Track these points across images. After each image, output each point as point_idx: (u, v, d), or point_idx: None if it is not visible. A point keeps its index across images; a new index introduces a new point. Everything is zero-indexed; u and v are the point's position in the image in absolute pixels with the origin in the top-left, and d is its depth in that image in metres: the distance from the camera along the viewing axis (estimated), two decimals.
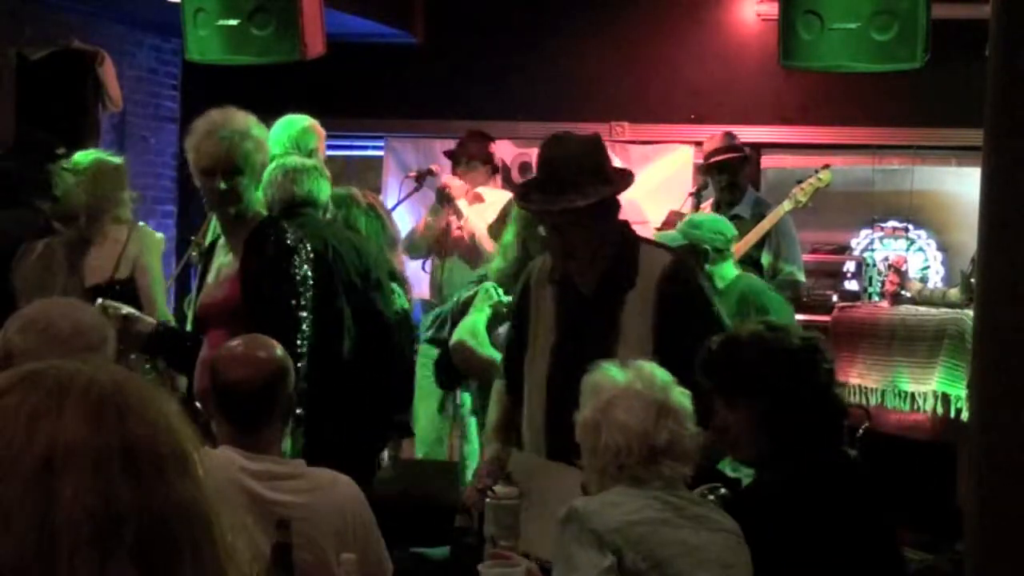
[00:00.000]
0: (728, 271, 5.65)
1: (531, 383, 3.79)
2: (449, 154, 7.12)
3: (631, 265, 3.69)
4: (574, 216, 3.60)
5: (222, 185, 4.22)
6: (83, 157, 5.48)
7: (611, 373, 2.98)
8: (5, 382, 1.21)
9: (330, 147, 8.80)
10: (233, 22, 5.39)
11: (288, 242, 4.29)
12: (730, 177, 6.79)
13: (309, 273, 4.29)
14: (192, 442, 1.24)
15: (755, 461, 3.25)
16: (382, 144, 8.94)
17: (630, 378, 2.95)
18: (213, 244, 4.55)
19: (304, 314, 4.20)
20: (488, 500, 3.45)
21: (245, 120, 4.32)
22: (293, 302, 4.22)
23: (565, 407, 3.10)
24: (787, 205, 6.60)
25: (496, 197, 6.90)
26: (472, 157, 6.97)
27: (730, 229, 5.81)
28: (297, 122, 5.74)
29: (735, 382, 3.16)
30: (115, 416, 1.19)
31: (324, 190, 5.10)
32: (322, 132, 5.78)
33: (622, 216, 3.81)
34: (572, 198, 3.57)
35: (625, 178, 3.76)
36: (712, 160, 6.90)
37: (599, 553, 2.76)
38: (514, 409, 3.88)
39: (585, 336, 3.66)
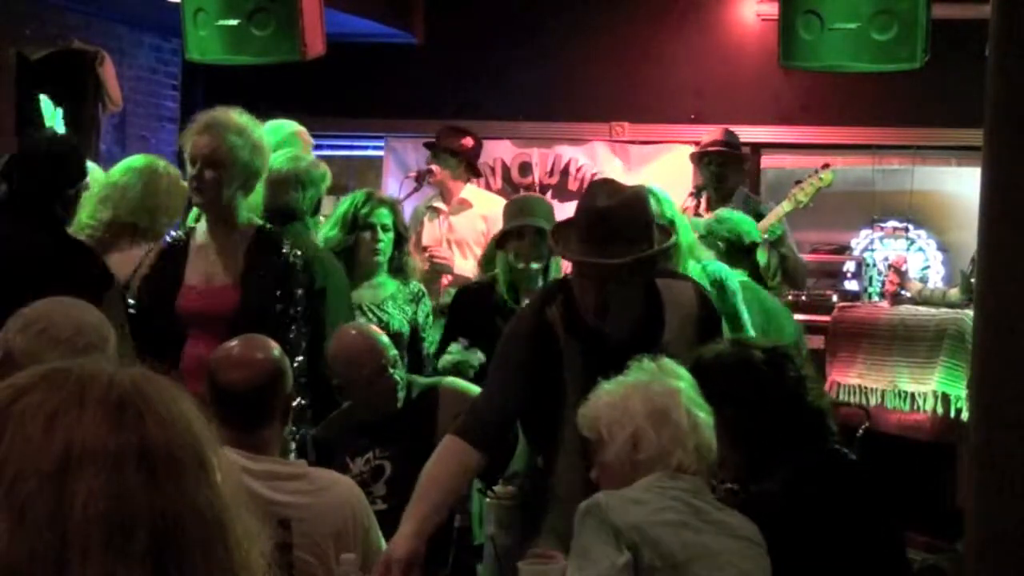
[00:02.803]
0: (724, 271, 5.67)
1: (566, 440, 3.49)
2: (428, 147, 7.12)
3: (659, 308, 3.57)
4: (620, 271, 3.44)
5: (204, 173, 4.24)
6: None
7: (642, 376, 3.00)
8: (27, 380, 1.22)
9: (330, 147, 8.80)
10: (233, 22, 5.39)
11: (290, 259, 4.32)
12: (716, 169, 6.77)
13: (301, 291, 4.32)
14: (211, 446, 1.24)
15: (738, 477, 3.24)
16: (382, 144, 8.95)
17: (659, 379, 2.98)
18: (187, 242, 4.46)
19: (294, 331, 4.20)
20: (488, 500, 3.45)
21: (244, 120, 4.32)
22: (289, 320, 4.24)
23: None
24: (787, 206, 6.59)
25: (482, 201, 6.90)
26: (443, 150, 6.95)
27: (751, 234, 5.79)
28: (283, 127, 5.65)
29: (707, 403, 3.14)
30: (134, 418, 1.19)
31: (306, 198, 5.02)
32: (309, 139, 5.71)
33: None
34: (624, 252, 3.41)
35: (668, 235, 3.68)
36: (701, 150, 6.90)
37: (616, 549, 2.76)
38: (470, 471, 3.50)
39: None
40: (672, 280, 3.74)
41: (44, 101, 6.27)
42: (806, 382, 3.28)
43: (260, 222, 4.41)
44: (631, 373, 3.02)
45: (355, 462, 4.27)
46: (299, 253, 4.38)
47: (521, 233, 4.95)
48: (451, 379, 4.44)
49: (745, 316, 5.07)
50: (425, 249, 6.55)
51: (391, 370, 4.27)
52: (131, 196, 5.05)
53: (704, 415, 2.95)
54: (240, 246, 4.33)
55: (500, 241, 5.05)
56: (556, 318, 3.55)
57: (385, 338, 4.38)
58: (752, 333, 5.00)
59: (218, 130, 4.25)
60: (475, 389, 4.22)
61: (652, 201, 3.68)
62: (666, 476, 2.88)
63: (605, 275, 3.43)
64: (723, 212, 6.02)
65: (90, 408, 1.18)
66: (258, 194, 4.78)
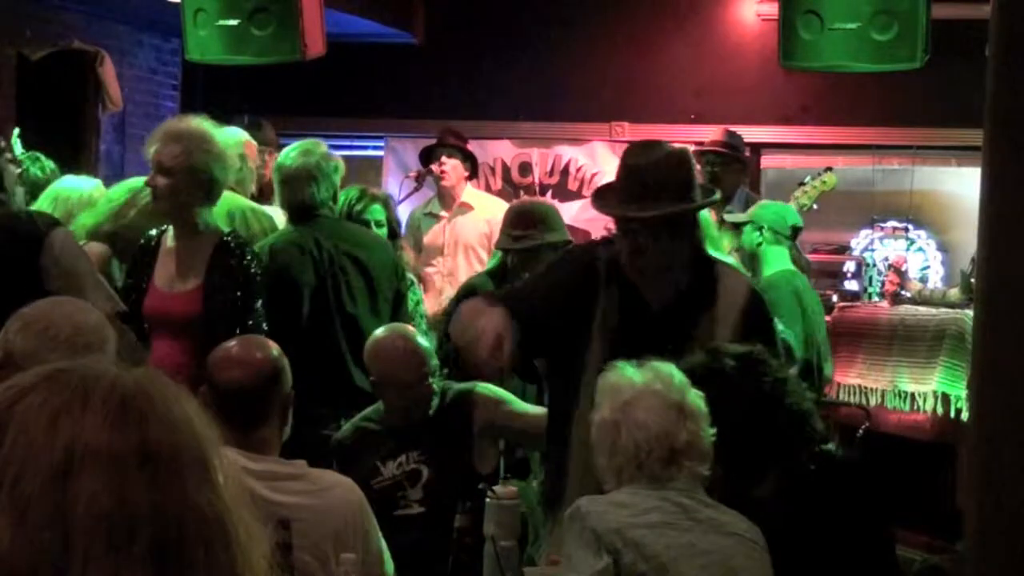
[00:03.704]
0: (777, 256, 5.76)
1: (586, 388, 3.49)
2: (425, 153, 7.08)
3: (710, 285, 3.59)
4: (654, 227, 3.45)
5: (157, 180, 4.33)
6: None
7: (628, 373, 2.97)
8: (30, 380, 1.21)
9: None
10: (233, 22, 5.40)
11: (251, 269, 4.37)
12: (711, 169, 6.75)
13: (262, 302, 4.37)
14: (214, 447, 1.24)
15: (724, 487, 3.20)
16: (382, 144, 8.95)
17: (648, 378, 2.95)
18: (157, 245, 4.49)
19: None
20: (488, 500, 3.44)
21: (203, 129, 4.39)
22: (250, 323, 4.29)
23: None
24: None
25: (483, 203, 6.90)
26: (454, 147, 6.95)
27: (795, 219, 5.94)
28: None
29: None
30: (137, 419, 1.19)
31: (322, 190, 5.03)
32: (252, 149, 5.60)
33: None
34: (655, 207, 3.43)
35: (709, 195, 3.67)
36: (699, 148, 6.91)
37: (595, 555, 2.76)
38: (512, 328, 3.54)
39: (652, 349, 3.35)
40: (729, 269, 3.79)
41: (15, 138, 6.14)
42: (786, 385, 3.21)
43: (225, 230, 4.49)
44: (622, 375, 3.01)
45: (386, 465, 4.23)
46: (258, 264, 4.43)
47: (552, 247, 4.96)
48: (485, 384, 4.40)
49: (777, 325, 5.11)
50: (425, 256, 6.61)
51: (431, 378, 4.25)
52: None
53: (676, 416, 2.89)
54: (203, 253, 4.39)
55: (530, 251, 4.98)
56: (602, 266, 3.61)
57: (428, 344, 4.38)
58: (791, 336, 5.08)
59: (172, 138, 4.35)
60: (509, 395, 4.30)
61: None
62: (659, 476, 2.87)
63: (639, 228, 3.46)
64: (763, 201, 6.12)
65: (93, 409, 1.18)
66: (228, 201, 4.78)
